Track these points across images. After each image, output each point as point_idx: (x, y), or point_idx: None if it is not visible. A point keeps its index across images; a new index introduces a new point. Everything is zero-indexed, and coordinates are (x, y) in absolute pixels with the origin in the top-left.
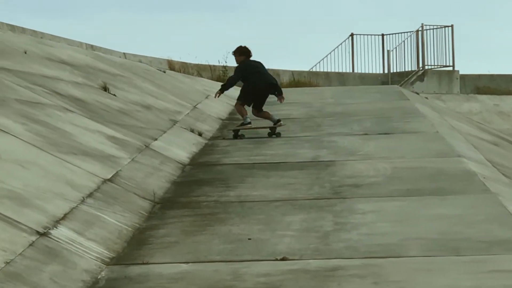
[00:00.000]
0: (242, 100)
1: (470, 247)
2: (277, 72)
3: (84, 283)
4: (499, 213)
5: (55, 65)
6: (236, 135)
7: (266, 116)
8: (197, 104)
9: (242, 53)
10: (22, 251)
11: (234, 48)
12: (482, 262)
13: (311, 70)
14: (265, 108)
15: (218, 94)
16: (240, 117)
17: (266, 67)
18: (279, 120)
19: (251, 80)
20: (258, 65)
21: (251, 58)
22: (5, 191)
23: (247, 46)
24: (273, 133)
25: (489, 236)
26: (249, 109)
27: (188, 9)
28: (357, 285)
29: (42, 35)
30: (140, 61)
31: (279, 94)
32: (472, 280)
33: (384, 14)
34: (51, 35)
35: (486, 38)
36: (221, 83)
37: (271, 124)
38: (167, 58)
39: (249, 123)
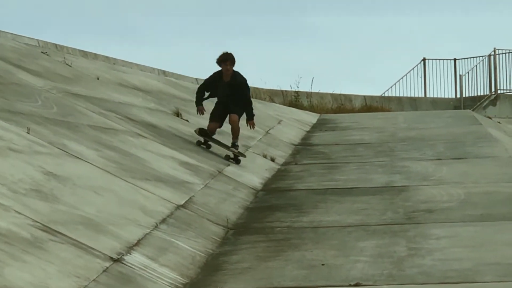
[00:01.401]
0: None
1: None
2: (349, 97)
3: None
4: None
5: (128, 91)
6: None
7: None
8: (270, 129)
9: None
10: (96, 277)
11: (223, 56)
12: None
13: (383, 95)
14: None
15: None
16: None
17: (339, 92)
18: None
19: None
20: None
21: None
22: (79, 217)
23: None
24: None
25: None
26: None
27: (258, 35)
28: None
29: (114, 61)
30: None
31: None
32: None
33: (455, 39)
34: (123, 61)
35: None
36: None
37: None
38: None
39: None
